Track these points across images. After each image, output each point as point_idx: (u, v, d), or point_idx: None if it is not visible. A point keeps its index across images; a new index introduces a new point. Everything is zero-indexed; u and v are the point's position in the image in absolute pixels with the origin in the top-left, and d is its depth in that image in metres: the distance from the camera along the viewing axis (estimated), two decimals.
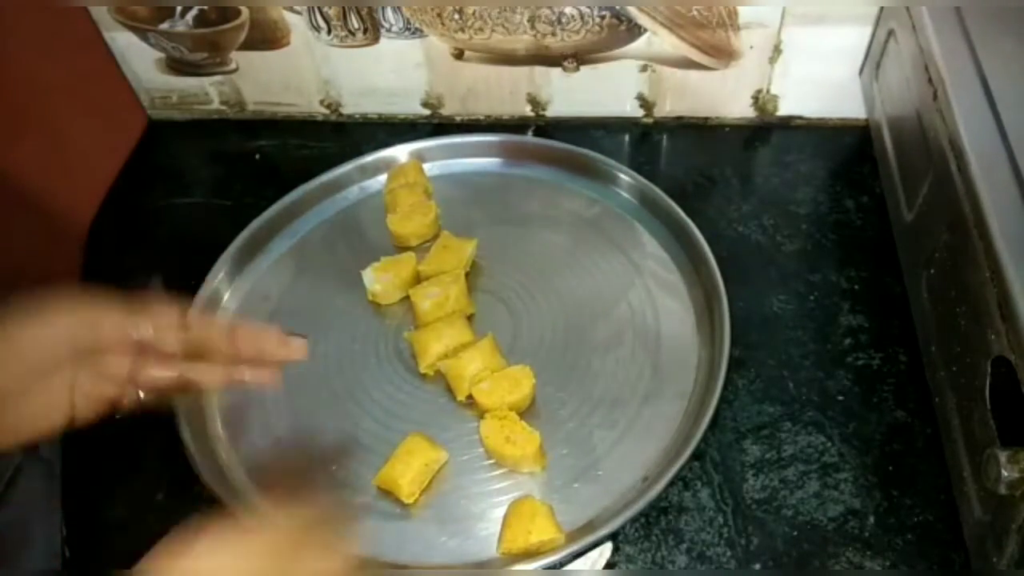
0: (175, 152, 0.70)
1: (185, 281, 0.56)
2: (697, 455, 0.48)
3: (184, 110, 0.71)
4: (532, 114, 0.68)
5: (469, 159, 0.64)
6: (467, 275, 0.56)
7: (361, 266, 0.55)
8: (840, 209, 0.60)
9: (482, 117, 0.69)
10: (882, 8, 0.56)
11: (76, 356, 0.36)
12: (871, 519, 0.45)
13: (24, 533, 0.46)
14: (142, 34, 0.64)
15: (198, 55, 0.66)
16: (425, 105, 0.69)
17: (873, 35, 0.58)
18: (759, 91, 0.64)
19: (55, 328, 0.35)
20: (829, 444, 0.48)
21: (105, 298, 0.37)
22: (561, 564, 0.43)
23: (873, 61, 0.58)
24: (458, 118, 0.69)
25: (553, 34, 0.61)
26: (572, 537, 0.44)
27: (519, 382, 0.49)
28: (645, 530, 0.46)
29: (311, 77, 0.67)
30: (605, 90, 0.65)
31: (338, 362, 0.53)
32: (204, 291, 0.56)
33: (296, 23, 0.63)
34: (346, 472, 0.48)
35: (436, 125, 0.69)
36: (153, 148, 0.70)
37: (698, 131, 0.67)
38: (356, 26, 0.62)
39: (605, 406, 0.50)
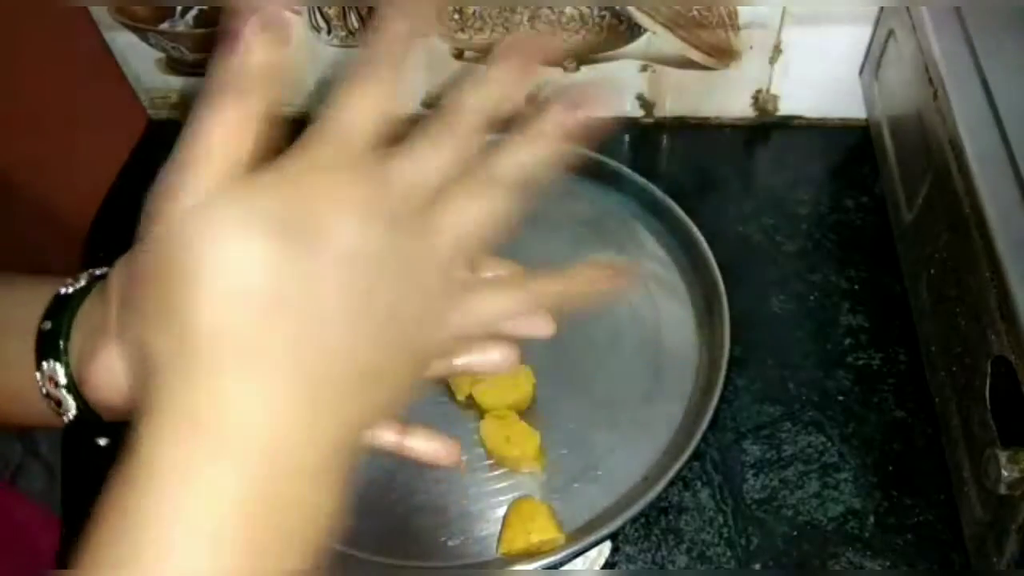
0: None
1: None
2: (697, 455, 0.48)
3: (184, 110, 0.71)
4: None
5: None
6: None
7: None
8: (840, 209, 0.60)
9: None
10: (882, 8, 0.56)
11: None
12: (871, 519, 0.45)
13: None
14: (142, 34, 0.64)
15: (198, 55, 0.66)
16: (425, 105, 0.68)
17: (873, 35, 0.58)
18: (759, 91, 0.64)
19: None
20: (829, 444, 0.48)
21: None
22: (561, 564, 0.43)
23: (873, 61, 0.58)
24: None
25: (553, 34, 0.61)
26: (572, 537, 0.44)
27: (519, 382, 0.49)
28: (645, 530, 0.46)
29: (311, 77, 0.67)
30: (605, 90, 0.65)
31: None
32: None
33: (296, 23, 0.63)
34: None
35: None
36: (153, 148, 0.70)
37: (698, 131, 0.67)
38: (356, 26, 0.62)
39: (605, 406, 0.50)
